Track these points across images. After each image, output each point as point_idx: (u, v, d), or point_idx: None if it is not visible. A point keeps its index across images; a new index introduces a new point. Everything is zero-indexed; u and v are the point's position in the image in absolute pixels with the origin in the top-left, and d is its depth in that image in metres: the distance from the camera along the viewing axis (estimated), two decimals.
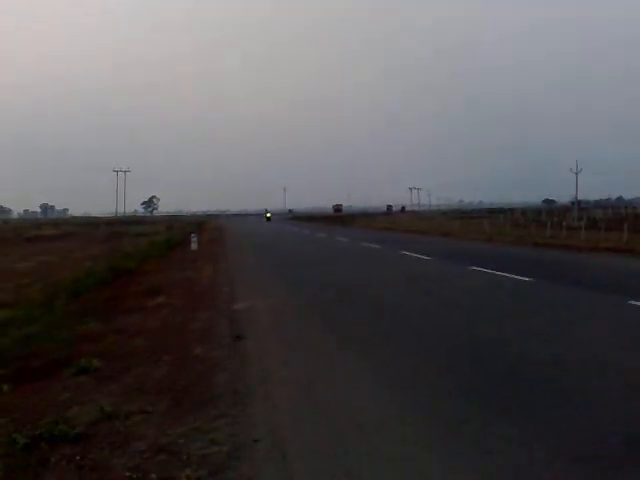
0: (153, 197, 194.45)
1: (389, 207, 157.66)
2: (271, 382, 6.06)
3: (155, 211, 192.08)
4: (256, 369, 6.59)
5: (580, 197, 76.24)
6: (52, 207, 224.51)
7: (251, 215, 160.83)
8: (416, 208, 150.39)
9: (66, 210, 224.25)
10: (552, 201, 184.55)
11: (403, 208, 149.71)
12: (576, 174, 68.44)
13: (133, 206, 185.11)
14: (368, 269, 17.46)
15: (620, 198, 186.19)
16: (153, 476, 3.98)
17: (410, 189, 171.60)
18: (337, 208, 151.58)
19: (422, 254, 20.93)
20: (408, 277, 15.16)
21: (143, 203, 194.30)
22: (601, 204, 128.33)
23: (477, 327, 8.55)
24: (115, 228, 58.41)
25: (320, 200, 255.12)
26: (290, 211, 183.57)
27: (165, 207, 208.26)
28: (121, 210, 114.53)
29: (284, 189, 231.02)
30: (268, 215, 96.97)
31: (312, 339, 8.22)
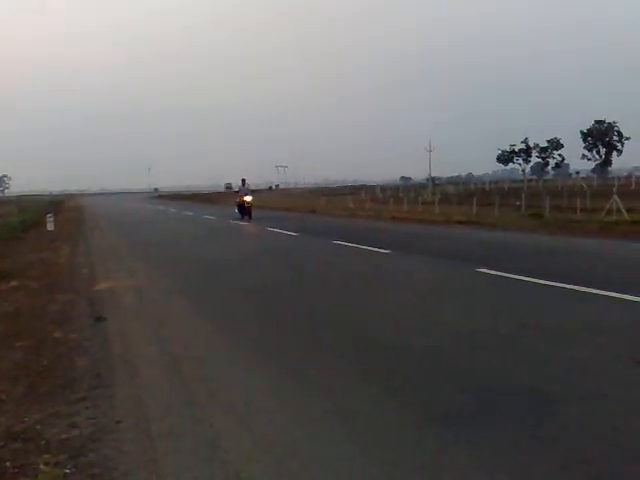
0: (4, 176, 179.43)
1: (228, 186, 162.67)
2: (134, 363, 5.96)
3: (7, 191, 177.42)
4: (118, 350, 6.44)
5: (434, 174, 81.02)
6: None
7: (116, 194, 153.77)
8: (284, 186, 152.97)
9: None
10: (408, 178, 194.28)
11: (276, 186, 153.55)
12: (429, 152, 72.47)
13: None
14: (236, 246, 17.48)
15: (470, 175, 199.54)
16: (7, 464, 3.81)
17: (277, 167, 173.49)
18: (228, 186, 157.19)
19: (289, 230, 21.26)
20: (274, 252, 15.43)
21: None
22: (453, 180, 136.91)
23: (332, 294, 8.96)
24: None
25: (187, 179, 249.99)
26: (156, 190, 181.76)
27: (19, 187, 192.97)
28: None
29: (149, 168, 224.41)
30: (248, 200, 30.59)
31: (177, 317, 8.16)
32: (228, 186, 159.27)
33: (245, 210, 30.15)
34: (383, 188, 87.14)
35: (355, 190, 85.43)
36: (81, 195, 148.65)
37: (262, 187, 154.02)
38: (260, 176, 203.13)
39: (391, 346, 6.09)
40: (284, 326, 7.28)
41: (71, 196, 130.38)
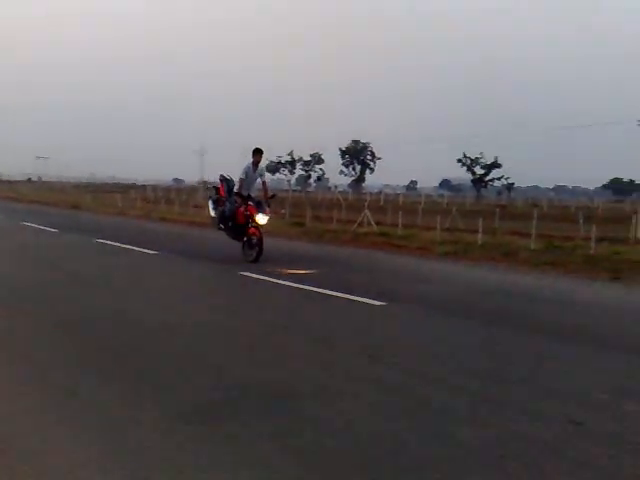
0: None
1: None
2: None
3: None
4: None
5: (207, 178, 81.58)
6: None
7: None
8: (46, 179, 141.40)
9: None
10: (181, 180, 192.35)
11: (39, 178, 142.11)
12: (201, 156, 72.73)
13: None
14: None
15: None
16: None
17: (37, 158, 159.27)
18: None
19: (47, 226, 20.15)
20: (29, 249, 14.55)
21: None
22: None
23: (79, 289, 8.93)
24: None
25: None
26: None
27: None
28: None
29: None
30: (262, 222, 12.63)
31: None
32: None
33: (248, 236, 12.79)
34: (155, 188, 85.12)
35: (124, 188, 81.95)
36: None
37: (19, 178, 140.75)
38: (17, 166, 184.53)
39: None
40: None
41: None
